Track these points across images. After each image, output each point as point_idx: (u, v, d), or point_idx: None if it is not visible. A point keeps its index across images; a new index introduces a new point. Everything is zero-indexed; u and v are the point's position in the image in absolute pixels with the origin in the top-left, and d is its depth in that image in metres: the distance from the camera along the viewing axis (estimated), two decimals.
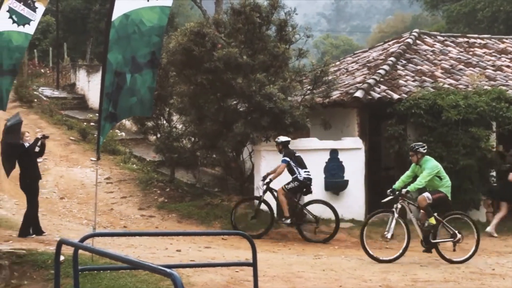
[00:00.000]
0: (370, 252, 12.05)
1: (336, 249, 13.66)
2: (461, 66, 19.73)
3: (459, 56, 20.52)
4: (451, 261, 12.05)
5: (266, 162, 15.93)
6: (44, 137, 13.39)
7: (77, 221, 15.54)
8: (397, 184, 12.33)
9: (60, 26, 38.42)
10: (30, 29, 14.11)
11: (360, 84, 17.31)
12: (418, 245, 12.43)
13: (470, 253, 12.30)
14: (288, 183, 14.59)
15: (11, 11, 13.85)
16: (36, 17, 14.14)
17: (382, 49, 21.46)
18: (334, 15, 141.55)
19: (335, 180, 16.31)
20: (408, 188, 12.19)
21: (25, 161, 13.00)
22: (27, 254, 11.00)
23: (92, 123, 23.74)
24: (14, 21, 13.90)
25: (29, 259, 10.90)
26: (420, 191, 12.35)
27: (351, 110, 17.12)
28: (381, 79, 17.73)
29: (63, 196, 17.78)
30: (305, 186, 14.64)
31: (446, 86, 17.70)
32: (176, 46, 15.93)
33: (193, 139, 17.69)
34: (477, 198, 16.64)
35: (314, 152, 16.29)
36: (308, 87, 17.31)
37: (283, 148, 14.74)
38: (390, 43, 22.20)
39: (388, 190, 12.33)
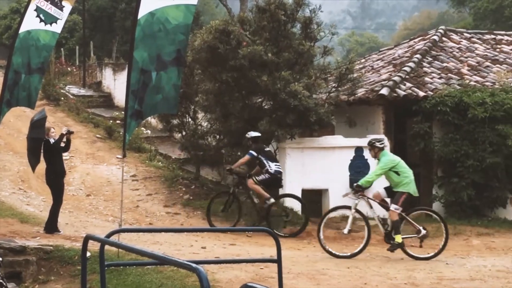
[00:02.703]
0: (327, 247, 12.10)
1: None
2: (487, 63, 19.55)
3: (485, 53, 20.34)
4: (416, 258, 11.86)
5: (291, 159, 15.94)
6: (69, 132, 13.50)
7: (103, 218, 15.66)
8: (361, 181, 12.33)
9: (87, 25, 38.72)
10: (57, 27, 14.25)
11: (386, 82, 17.25)
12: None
13: (438, 249, 12.05)
14: (258, 175, 14.71)
15: (38, 10, 14.00)
16: (63, 15, 14.28)
17: (408, 46, 21.33)
18: (359, 12, 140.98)
19: (360, 178, 16.24)
20: (359, 182, 12.29)
21: (50, 156, 13.13)
22: (54, 250, 11.13)
23: (118, 121, 23.87)
24: (41, 20, 14.05)
25: (56, 255, 11.03)
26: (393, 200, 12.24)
27: (376, 108, 17.07)
28: (407, 77, 17.64)
29: (90, 193, 17.91)
30: (275, 179, 14.73)
31: (472, 83, 17.57)
32: (201, 44, 15.96)
33: (218, 136, 17.70)
34: (504, 196, 16.50)
35: (339, 149, 16.29)
36: (333, 85, 17.26)
37: (253, 142, 14.81)
38: (415, 40, 22.05)
39: (354, 184, 12.59)
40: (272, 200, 14.64)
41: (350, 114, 17.14)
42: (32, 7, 14.05)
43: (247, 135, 14.96)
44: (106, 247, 4.51)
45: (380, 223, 12.30)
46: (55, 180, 13.21)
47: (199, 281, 2.70)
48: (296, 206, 15.32)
